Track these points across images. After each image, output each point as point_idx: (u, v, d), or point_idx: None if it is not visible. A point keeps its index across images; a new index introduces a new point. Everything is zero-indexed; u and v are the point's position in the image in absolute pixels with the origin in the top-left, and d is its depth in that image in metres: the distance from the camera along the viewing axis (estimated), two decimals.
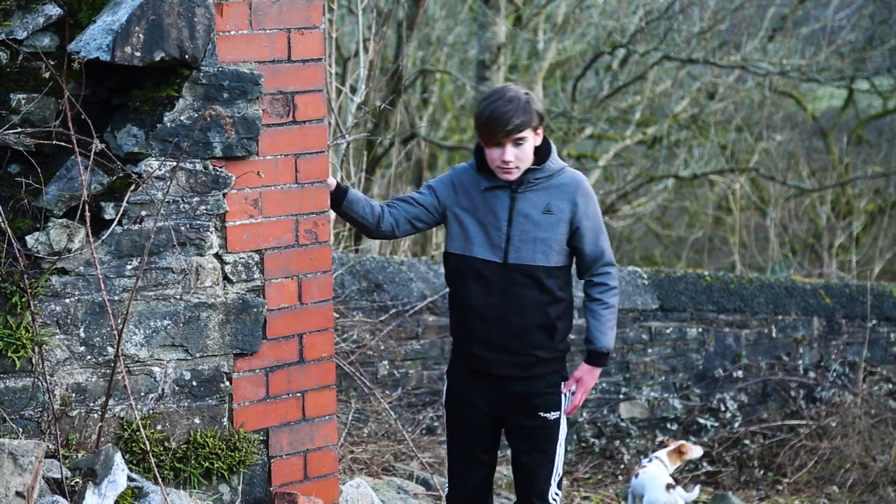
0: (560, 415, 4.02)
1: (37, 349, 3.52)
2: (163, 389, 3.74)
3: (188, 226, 3.73)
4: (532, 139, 3.90)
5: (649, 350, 7.38)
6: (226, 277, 3.81)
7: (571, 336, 4.13)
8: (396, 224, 4.07)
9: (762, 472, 7.27)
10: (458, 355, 4.11)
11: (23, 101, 3.56)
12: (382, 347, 6.68)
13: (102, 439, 3.65)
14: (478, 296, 3.96)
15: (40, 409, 3.57)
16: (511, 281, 3.93)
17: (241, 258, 3.84)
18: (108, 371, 3.65)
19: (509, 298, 3.94)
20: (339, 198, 4.02)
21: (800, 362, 7.56)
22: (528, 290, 3.93)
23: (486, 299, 3.95)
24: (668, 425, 7.43)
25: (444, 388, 4.17)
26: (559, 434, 4.03)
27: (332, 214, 4.19)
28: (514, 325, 3.94)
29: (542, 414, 4.00)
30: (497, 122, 3.84)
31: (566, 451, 4.17)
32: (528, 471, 4.06)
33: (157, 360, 3.73)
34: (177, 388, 3.77)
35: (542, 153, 3.95)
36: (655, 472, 5.90)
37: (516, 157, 3.87)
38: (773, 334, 7.54)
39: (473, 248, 3.97)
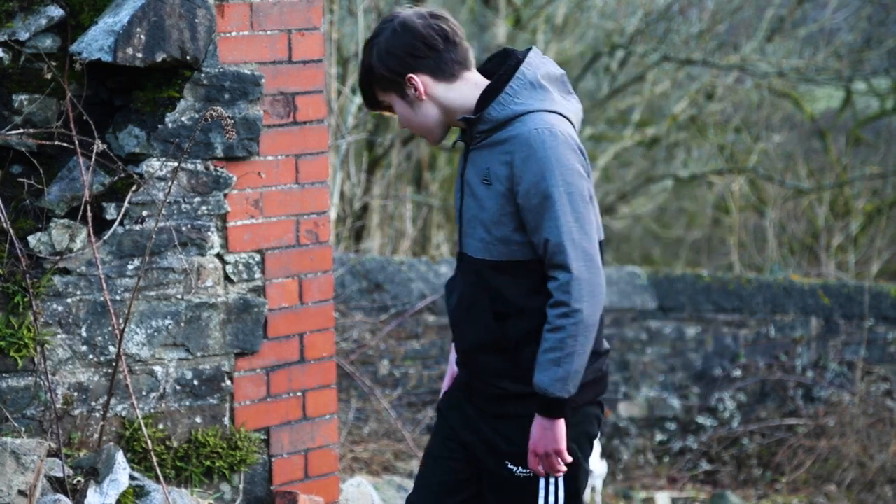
0: (533, 474, 2.82)
1: (39, 349, 3.54)
2: (164, 389, 3.76)
3: (189, 226, 3.74)
4: (404, 101, 2.82)
5: (648, 349, 7.39)
6: (227, 277, 3.83)
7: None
8: None
9: (760, 470, 7.28)
10: None
11: (25, 102, 3.57)
12: (383, 347, 6.70)
13: (104, 438, 3.66)
14: (448, 296, 2.94)
15: (42, 409, 3.58)
16: (464, 279, 2.84)
17: (242, 258, 3.85)
18: (109, 370, 3.66)
19: (460, 304, 2.86)
20: None
21: (798, 362, 7.58)
22: (476, 294, 2.80)
23: (450, 301, 2.92)
24: (667, 424, 7.44)
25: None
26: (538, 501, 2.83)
27: (333, 214, 4.18)
28: (464, 340, 2.87)
29: (509, 465, 2.84)
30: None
31: None
32: None
33: (159, 359, 3.75)
34: (178, 387, 3.78)
35: (488, 93, 2.76)
36: None
37: (403, 122, 2.90)
38: (772, 334, 7.55)
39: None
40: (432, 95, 2.80)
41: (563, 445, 2.73)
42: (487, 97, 2.75)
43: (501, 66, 2.82)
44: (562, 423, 2.71)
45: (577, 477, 2.83)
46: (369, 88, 2.87)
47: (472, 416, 2.89)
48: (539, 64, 2.80)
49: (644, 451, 7.31)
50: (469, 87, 2.81)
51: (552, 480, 2.80)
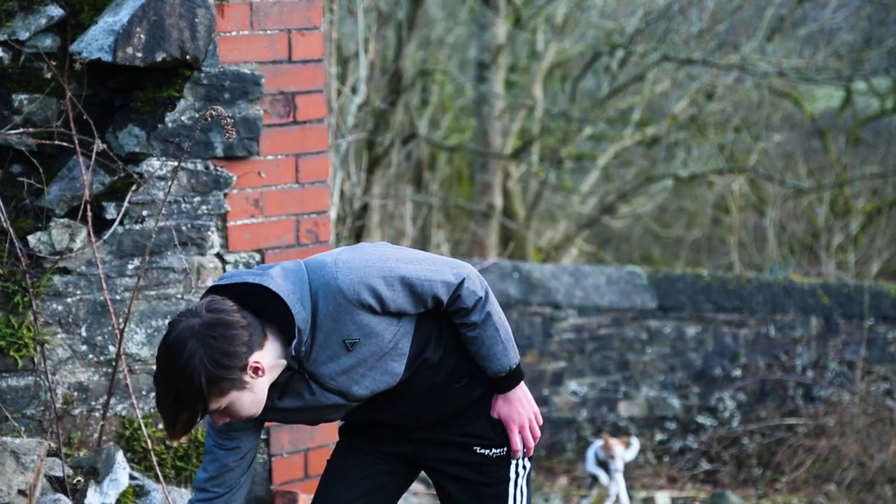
0: (505, 452, 2.96)
1: (39, 348, 3.54)
2: None
3: (189, 225, 3.74)
4: (244, 390, 2.66)
5: (648, 349, 7.39)
6: None
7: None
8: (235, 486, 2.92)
9: (760, 470, 7.29)
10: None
11: (25, 102, 3.57)
12: None
13: (104, 438, 3.66)
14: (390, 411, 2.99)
15: (42, 408, 3.58)
16: (396, 400, 2.94)
17: (242, 258, 3.85)
18: (109, 370, 3.66)
19: (406, 411, 2.95)
20: None
21: (798, 361, 7.58)
22: (420, 394, 2.92)
23: (390, 418, 2.98)
24: (667, 424, 7.45)
25: None
26: (510, 485, 2.98)
27: (333, 214, 4.17)
28: (422, 418, 3.00)
29: (479, 450, 2.96)
30: (167, 426, 2.65)
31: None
32: None
33: None
34: None
35: (286, 325, 2.72)
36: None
37: (237, 417, 2.71)
38: (772, 334, 7.55)
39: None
40: (267, 365, 2.71)
41: (535, 404, 2.98)
42: (285, 319, 2.71)
43: (247, 297, 2.73)
44: (524, 385, 2.97)
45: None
46: (196, 408, 2.62)
47: (413, 429, 2.97)
48: (254, 270, 2.80)
49: (644, 450, 7.31)
50: (270, 331, 2.73)
51: (520, 463, 2.98)
